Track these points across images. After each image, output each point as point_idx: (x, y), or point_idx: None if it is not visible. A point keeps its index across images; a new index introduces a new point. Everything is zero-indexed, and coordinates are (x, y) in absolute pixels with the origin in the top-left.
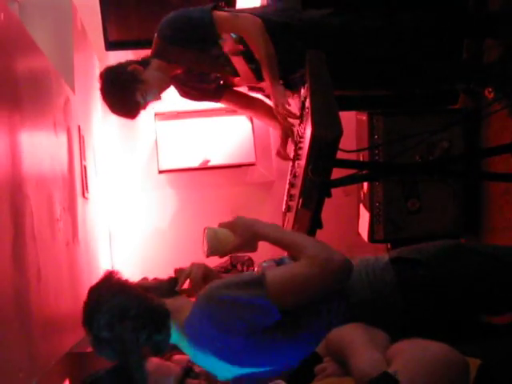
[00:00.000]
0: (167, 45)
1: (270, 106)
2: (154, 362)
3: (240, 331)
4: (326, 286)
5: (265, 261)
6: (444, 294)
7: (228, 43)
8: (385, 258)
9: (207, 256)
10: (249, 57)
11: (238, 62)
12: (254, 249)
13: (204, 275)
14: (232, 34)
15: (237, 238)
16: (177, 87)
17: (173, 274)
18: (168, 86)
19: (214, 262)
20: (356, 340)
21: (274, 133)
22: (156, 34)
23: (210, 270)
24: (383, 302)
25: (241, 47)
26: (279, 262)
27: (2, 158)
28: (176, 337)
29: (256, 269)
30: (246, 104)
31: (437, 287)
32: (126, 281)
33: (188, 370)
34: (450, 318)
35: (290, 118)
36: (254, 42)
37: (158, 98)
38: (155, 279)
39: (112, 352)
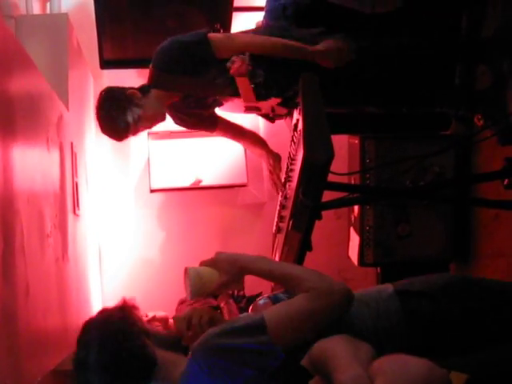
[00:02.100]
0: (163, 74)
1: (261, 138)
2: None
3: (247, 379)
4: (330, 318)
5: (260, 298)
6: (449, 327)
7: (237, 64)
8: (388, 289)
9: (190, 299)
10: (252, 76)
11: (243, 83)
12: (239, 286)
13: (210, 320)
14: (243, 56)
15: (221, 275)
16: (172, 115)
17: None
18: (162, 120)
19: None
20: (339, 353)
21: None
22: (151, 64)
23: (215, 314)
24: (386, 332)
25: (250, 67)
26: (274, 299)
27: None
28: None
29: (251, 308)
30: (239, 135)
31: (442, 321)
32: (129, 318)
33: None
34: (453, 347)
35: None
36: (258, 45)
37: (149, 126)
38: (169, 332)
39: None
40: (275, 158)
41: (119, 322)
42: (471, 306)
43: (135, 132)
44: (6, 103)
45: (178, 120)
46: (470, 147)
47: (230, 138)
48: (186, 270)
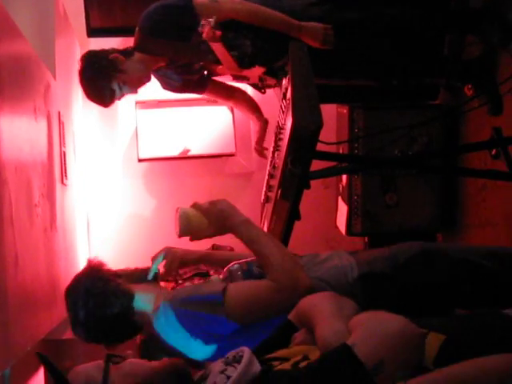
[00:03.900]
0: (148, 37)
1: (251, 98)
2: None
3: (200, 337)
4: (288, 307)
5: (233, 264)
6: (410, 301)
7: (206, 29)
8: (353, 269)
9: (179, 236)
10: (230, 44)
11: (219, 49)
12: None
13: (181, 261)
14: (210, 20)
15: (210, 226)
16: (159, 79)
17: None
18: (147, 81)
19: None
20: (324, 309)
21: (254, 124)
22: (137, 27)
23: (187, 255)
24: None
25: (219, 33)
26: (247, 271)
27: None
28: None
29: (224, 270)
30: (229, 95)
31: (403, 303)
32: (100, 267)
33: (109, 357)
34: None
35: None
36: (244, 13)
37: (134, 91)
38: (136, 268)
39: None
40: (262, 123)
41: (91, 276)
42: (431, 281)
43: (121, 96)
44: None
45: (166, 85)
46: (459, 117)
47: (219, 99)
48: (177, 210)
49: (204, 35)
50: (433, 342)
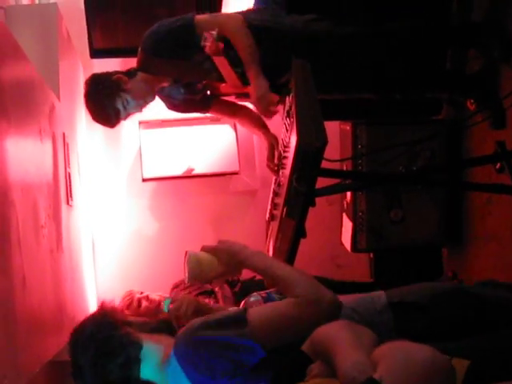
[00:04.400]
0: (151, 57)
1: (256, 115)
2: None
3: (225, 371)
4: (314, 325)
5: (252, 295)
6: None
7: (209, 42)
8: (381, 299)
9: (188, 282)
10: (233, 61)
11: (222, 64)
12: (236, 275)
13: (195, 311)
14: (212, 32)
15: (220, 265)
16: (163, 100)
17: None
18: (151, 100)
19: None
20: (342, 339)
21: (257, 141)
22: (140, 47)
23: (202, 306)
24: None
25: (221, 45)
26: (267, 299)
27: None
28: (151, 372)
29: (242, 304)
30: (233, 112)
31: (433, 333)
32: (112, 312)
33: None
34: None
35: (270, 113)
36: (234, 34)
37: (138, 110)
38: (150, 319)
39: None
40: (271, 139)
41: (98, 320)
42: (461, 315)
43: (126, 117)
44: None
45: (170, 104)
46: (462, 131)
47: (224, 116)
48: (187, 254)
49: (207, 49)
50: (458, 369)
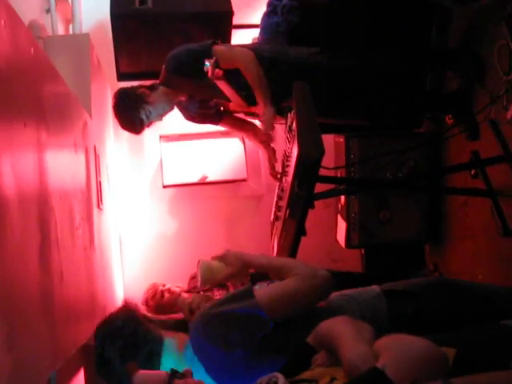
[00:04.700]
0: (172, 74)
1: (261, 130)
2: (141, 373)
3: (238, 343)
4: (313, 297)
5: (257, 284)
6: (430, 324)
7: (209, 68)
8: (376, 289)
9: (201, 286)
10: (239, 86)
11: (224, 87)
12: (243, 279)
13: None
14: (211, 60)
15: (228, 267)
16: (182, 111)
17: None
18: (170, 110)
19: None
20: (345, 332)
21: (263, 152)
22: (164, 66)
23: (213, 299)
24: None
25: (219, 72)
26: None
27: (32, 174)
28: (172, 363)
29: None
30: (240, 127)
31: (424, 319)
32: (135, 309)
33: (174, 372)
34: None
35: (271, 137)
36: (247, 68)
37: (159, 118)
38: (169, 317)
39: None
40: (271, 151)
41: (124, 316)
42: (448, 304)
43: (149, 124)
44: (41, 112)
45: (187, 115)
46: (441, 143)
47: (232, 129)
48: (199, 262)
49: (209, 74)
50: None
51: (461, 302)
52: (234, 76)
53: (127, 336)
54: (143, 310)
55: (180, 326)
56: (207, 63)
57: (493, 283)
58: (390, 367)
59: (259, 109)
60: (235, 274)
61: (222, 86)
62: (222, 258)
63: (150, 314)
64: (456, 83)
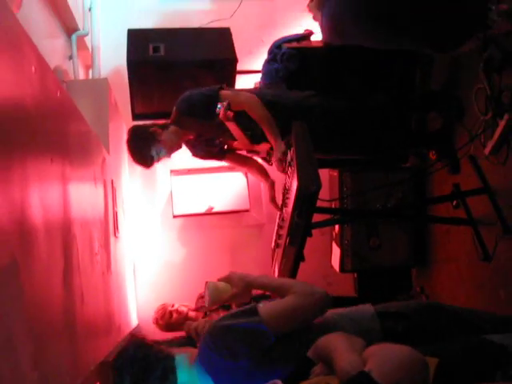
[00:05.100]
0: (182, 115)
1: (261, 165)
2: None
3: (242, 354)
4: (311, 313)
5: (260, 303)
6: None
7: (221, 110)
8: (370, 310)
9: (208, 306)
10: (244, 126)
11: (233, 128)
12: (247, 299)
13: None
14: (224, 103)
15: (233, 288)
16: (189, 149)
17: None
18: (179, 148)
19: None
20: (339, 345)
21: (264, 185)
22: (175, 107)
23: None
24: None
25: (231, 114)
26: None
27: (57, 205)
28: (187, 376)
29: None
30: (243, 163)
31: (415, 337)
32: (143, 338)
33: None
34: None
35: (283, 168)
36: (254, 110)
37: (168, 156)
38: (174, 337)
39: None
40: (270, 183)
41: (134, 346)
42: (438, 325)
43: (159, 160)
44: (65, 149)
45: (194, 153)
46: (426, 176)
47: (235, 165)
48: (207, 284)
49: (220, 116)
50: (429, 365)
51: (448, 326)
52: (241, 117)
53: (140, 360)
54: (154, 328)
55: (188, 342)
56: (219, 106)
57: (475, 308)
58: (375, 370)
59: (261, 147)
60: (239, 294)
61: (231, 126)
62: (227, 279)
63: (158, 338)
64: (438, 123)
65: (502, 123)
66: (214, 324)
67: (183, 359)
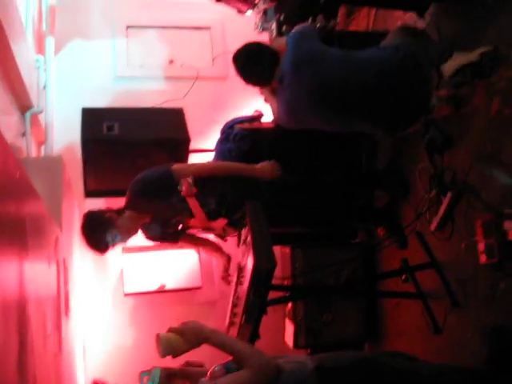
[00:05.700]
0: (137, 198)
1: (214, 242)
2: None
3: None
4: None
5: (216, 366)
6: None
7: (185, 186)
8: (309, 364)
9: (162, 357)
10: (202, 202)
11: (193, 204)
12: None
13: (167, 376)
14: (188, 179)
15: (186, 342)
16: (143, 232)
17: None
18: (135, 233)
19: None
20: None
21: (216, 262)
22: (128, 191)
23: (170, 370)
24: None
25: (195, 189)
26: (227, 367)
27: (12, 285)
28: None
29: (209, 373)
30: (197, 243)
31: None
32: None
33: None
34: None
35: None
36: (220, 167)
37: (124, 241)
38: None
39: None
40: (226, 258)
41: None
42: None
43: (113, 246)
44: (22, 231)
45: (148, 236)
46: (375, 251)
47: (190, 247)
48: (158, 336)
49: (183, 192)
50: None
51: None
52: (201, 191)
53: None
54: None
55: None
56: (183, 182)
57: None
58: None
59: (217, 223)
60: (190, 348)
61: (192, 202)
62: (180, 333)
63: None
64: (384, 200)
65: (445, 201)
66: None
67: None
